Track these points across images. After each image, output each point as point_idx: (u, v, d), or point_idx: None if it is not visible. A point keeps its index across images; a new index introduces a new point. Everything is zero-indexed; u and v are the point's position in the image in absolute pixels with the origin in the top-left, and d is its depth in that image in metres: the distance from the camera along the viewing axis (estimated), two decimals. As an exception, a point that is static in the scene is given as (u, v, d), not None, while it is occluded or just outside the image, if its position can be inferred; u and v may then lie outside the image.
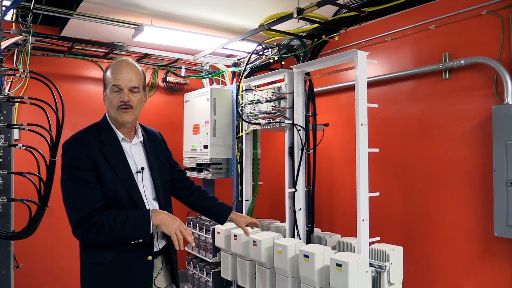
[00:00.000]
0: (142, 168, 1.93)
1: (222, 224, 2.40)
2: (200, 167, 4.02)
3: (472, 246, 3.19)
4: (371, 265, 2.60)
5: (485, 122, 3.12)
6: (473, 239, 3.19)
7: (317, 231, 3.23)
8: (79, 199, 1.75)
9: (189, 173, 4.17)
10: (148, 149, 2.00)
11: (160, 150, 2.11)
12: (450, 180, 3.35)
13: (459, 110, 3.30)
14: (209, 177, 3.92)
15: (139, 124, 2.07)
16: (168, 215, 1.80)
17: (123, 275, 1.80)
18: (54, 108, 2.50)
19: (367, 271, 2.50)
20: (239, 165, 3.79)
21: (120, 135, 1.92)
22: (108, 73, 1.91)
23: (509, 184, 2.86)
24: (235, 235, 3.29)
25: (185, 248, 4.24)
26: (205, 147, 3.92)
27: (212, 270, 3.80)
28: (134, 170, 1.90)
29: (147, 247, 1.86)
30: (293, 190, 3.13)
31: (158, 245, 1.96)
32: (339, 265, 2.43)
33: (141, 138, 2.00)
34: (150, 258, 1.87)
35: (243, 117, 3.60)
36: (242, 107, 3.62)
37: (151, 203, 1.92)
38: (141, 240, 1.77)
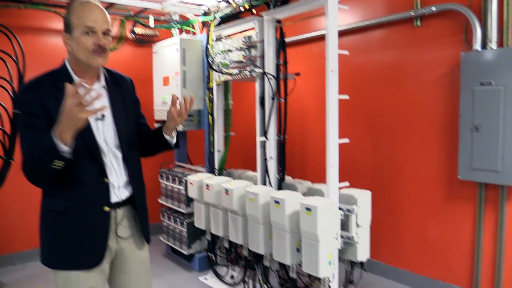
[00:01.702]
0: (103, 116, 1.87)
1: (166, 143, 2.05)
2: (171, 119, 3.98)
3: (437, 189, 3.31)
4: (340, 209, 2.67)
5: (454, 69, 3.16)
6: (438, 183, 3.30)
7: (288, 179, 3.28)
8: (28, 144, 1.70)
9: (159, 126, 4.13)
10: (113, 94, 1.93)
11: (128, 97, 2.02)
12: (418, 127, 3.42)
13: (430, 58, 3.32)
14: (180, 129, 3.90)
15: (104, 68, 1.97)
16: (65, 117, 1.58)
17: (78, 225, 1.78)
18: (15, 58, 2.41)
19: (336, 215, 2.57)
20: (210, 116, 3.76)
21: (78, 81, 1.82)
22: (77, 13, 1.78)
23: (474, 129, 2.94)
24: (207, 185, 3.32)
25: (159, 200, 4.27)
26: (177, 98, 3.85)
27: (186, 221, 3.85)
28: (93, 117, 1.84)
29: (103, 198, 1.83)
30: (264, 139, 3.14)
31: (120, 195, 1.90)
32: (308, 209, 2.49)
33: (103, 83, 1.93)
34: (107, 209, 1.83)
35: (213, 67, 3.55)
36: (212, 57, 3.55)
37: (112, 152, 1.87)
38: (60, 163, 1.62)
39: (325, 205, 2.49)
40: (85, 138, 1.78)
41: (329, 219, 2.51)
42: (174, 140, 2.08)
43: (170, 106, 2.01)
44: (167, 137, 2.03)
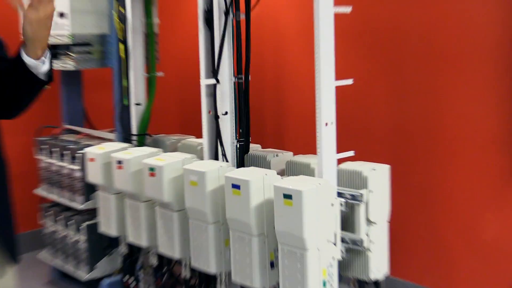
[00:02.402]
0: None
1: (26, 72, 2.02)
2: (54, 50, 3.94)
3: (497, 162, 3.42)
4: (339, 194, 2.75)
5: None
6: (498, 151, 3.41)
7: (255, 148, 3.35)
8: None
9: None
10: None
11: None
12: (467, 58, 3.47)
13: None
14: (71, 68, 3.88)
15: None
16: None
17: None
18: None
19: (333, 204, 2.64)
20: (121, 45, 3.76)
21: None
22: None
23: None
24: (119, 162, 3.35)
25: (37, 191, 4.26)
26: (61, 15, 3.83)
27: (85, 223, 3.88)
28: None
29: None
30: (213, 81, 3.17)
31: None
32: (288, 196, 2.54)
33: None
34: None
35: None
36: None
37: None
38: None
39: (315, 189, 2.54)
40: None
41: (322, 212, 2.58)
42: (44, 67, 2.02)
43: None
44: (29, 60, 1.97)
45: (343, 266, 2.86)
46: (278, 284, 2.72)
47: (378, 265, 2.88)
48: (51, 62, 2.04)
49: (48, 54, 2.03)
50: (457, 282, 3.66)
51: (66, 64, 3.89)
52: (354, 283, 2.96)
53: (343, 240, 2.79)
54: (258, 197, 2.73)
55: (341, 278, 2.86)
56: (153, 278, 3.63)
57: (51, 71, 2.05)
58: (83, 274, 3.94)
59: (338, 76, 2.74)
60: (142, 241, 3.40)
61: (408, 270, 3.83)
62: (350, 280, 2.96)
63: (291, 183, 2.61)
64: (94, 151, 3.58)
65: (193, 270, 3.21)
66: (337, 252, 2.70)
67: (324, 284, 2.63)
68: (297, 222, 2.54)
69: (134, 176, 3.31)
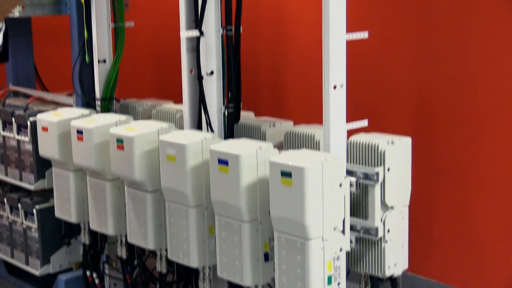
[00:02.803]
0: None
1: None
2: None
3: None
4: (349, 173, 2.79)
5: None
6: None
7: (247, 117, 3.37)
8: None
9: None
10: None
11: None
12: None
13: None
14: (17, 15, 3.84)
15: None
16: None
17: None
18: None
19: (341, 184, 2.66)
20: (81, -12, 3.77)
21: None
22: None
23: None
24: (79, 131, 3.37)
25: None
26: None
27: (37, 207, 3.90)
28: None
29: None
30: (196, 33, 3.19)
31: None
32: (287, 174, 2.57)
33: None
34: None
35: None
36: None
37: None
38: None
39: (319, 166, 2.56)
40: None
41: (328, 193, 2.60)
42: None
43: None
44: None
45: (352, 259, 2.91)
46: (273, 280, 2.75)
47: (395, 259, 2.91)
48: (5, 39, 2.11)
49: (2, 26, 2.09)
50: (491, 282, 3.68)
51: (12, 10, 3.88)
52: (365, 279, 2.99)
53: (353, 228, 2.82)
54: (250, 175, 2.76)
55: (349, 274, 2.89)
56: (122, 273, 3.65)
57: (6, 51, 2.12)
58: (35, 269, 3.97)
59: (350, 28, 2.76)
60: (108, 229, 3.43)
61: (431, 265, 3.85)
62: (361, 276, 3.00)
63: (290, 158, 2.63)
64: (48, 118, 3.58)
65: (170, 264, 3.25)
66: (346, 242, 2.72)
67: (330, 280, 2.65)
68: (297, 206, 2.56)
69: (98, 149, 3.33)
